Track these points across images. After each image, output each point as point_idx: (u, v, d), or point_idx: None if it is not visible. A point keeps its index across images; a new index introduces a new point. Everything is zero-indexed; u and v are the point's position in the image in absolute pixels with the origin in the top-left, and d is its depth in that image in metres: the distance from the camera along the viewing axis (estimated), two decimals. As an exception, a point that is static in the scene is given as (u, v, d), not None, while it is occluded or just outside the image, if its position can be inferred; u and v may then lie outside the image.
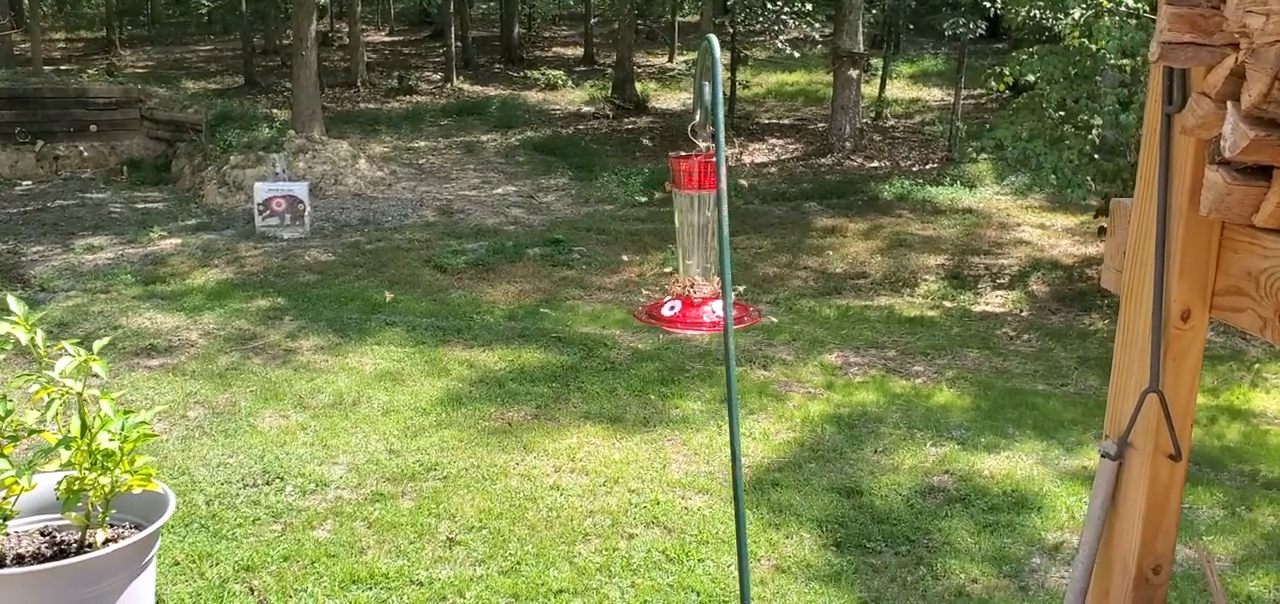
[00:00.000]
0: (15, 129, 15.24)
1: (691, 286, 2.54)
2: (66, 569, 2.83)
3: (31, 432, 3.00)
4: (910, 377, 7.94)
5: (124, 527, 3.16)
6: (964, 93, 17.93)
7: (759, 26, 17.62)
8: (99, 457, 2.90)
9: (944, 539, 5.16)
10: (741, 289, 2.89)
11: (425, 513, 5.18)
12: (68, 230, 12.09)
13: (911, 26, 23.53)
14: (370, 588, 4.46)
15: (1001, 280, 11.01)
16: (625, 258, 11.47)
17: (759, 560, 4.85)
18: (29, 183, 14.80)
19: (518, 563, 4.72)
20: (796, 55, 19.85)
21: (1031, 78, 10.70)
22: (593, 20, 27.53)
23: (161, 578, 4.37)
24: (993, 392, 7.65)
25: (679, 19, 26.40)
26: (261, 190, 12.11)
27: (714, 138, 2.31)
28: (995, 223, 13.26)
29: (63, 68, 21.42)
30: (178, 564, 4.57)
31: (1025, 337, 9.31)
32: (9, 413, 2.96)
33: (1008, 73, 11.06)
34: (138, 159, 15.81)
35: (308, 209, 12.15)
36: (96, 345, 3.10)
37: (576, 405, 6.88)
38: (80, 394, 2.97)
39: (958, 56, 18.20)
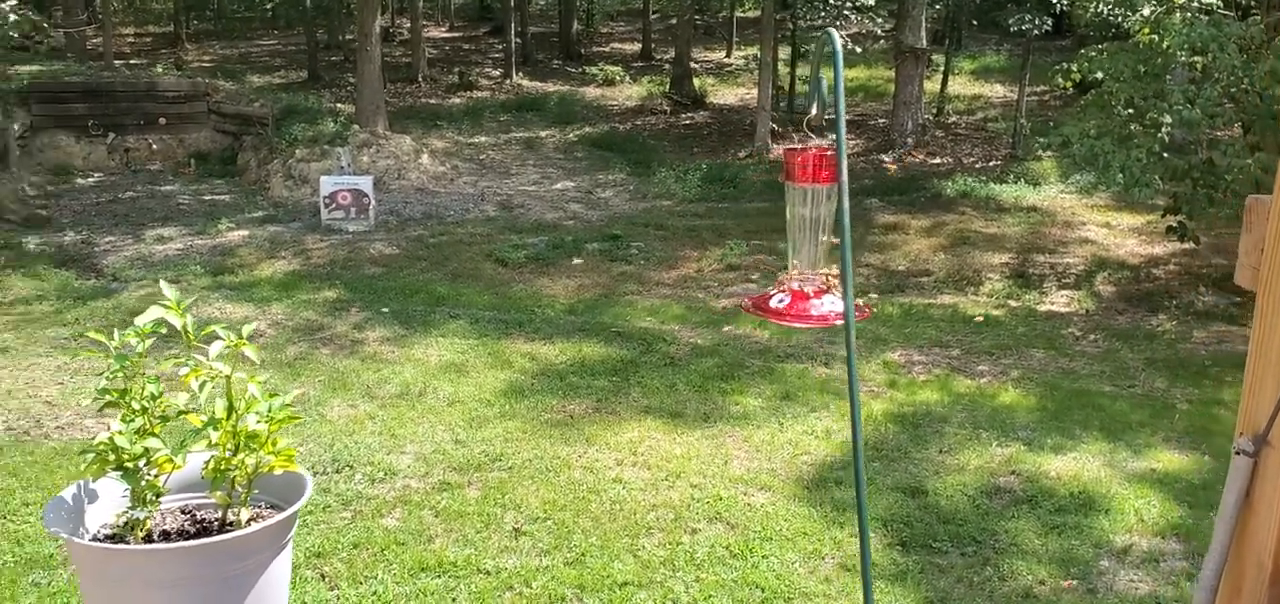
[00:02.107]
0: (88, 122, 15.64)
1: (803, 279, 2.53)
2: (217, 545, 2.91)
3: (180, 413, 3.08)
4: (975, 376, 7.86)
5: (261, 507, 3.23)
6: (1027, 89, 17.66)
7: (820, 21, 17.48)
8: (244, 437, 2.97)
9: (1010, 540, 5.11)
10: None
11: (491, 503, 5.24)
12: (138, 221, 12.38)
13: (975, 22, 23.21)
14: (439, 576, 4.52)
15: (1067, 280, 10.85)
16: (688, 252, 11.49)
17: (824, 558, 4.84)
18: (100, 174, 15.18)
19: (582, 554, 4.76)
20: (858, 50, 19.67)
21: (1099, 75, 10.50)
22: (651, 16, 27.55)
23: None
24: (1059, 392, 7.54)
25: (737, 14, 26.32)
26: (327, 184, 12.30)
27: (836, 128, 2.28)
28: (1060, 221, 13.06)
29: (132, 62, 21.88)
30: (252, 549, 4.67)
31: (1091, 337, 9.17)
32: (160, 394, 3.04)
33: (1075, 69, 10.87)
34: (205, 152, 16.14)
35: (372, 203, 12.32)
36: (245, 330, 3.19)
37: (636, 400, 6.91)
38: (228, 377, 3.06)
39: (1022, 53, 17.93)
